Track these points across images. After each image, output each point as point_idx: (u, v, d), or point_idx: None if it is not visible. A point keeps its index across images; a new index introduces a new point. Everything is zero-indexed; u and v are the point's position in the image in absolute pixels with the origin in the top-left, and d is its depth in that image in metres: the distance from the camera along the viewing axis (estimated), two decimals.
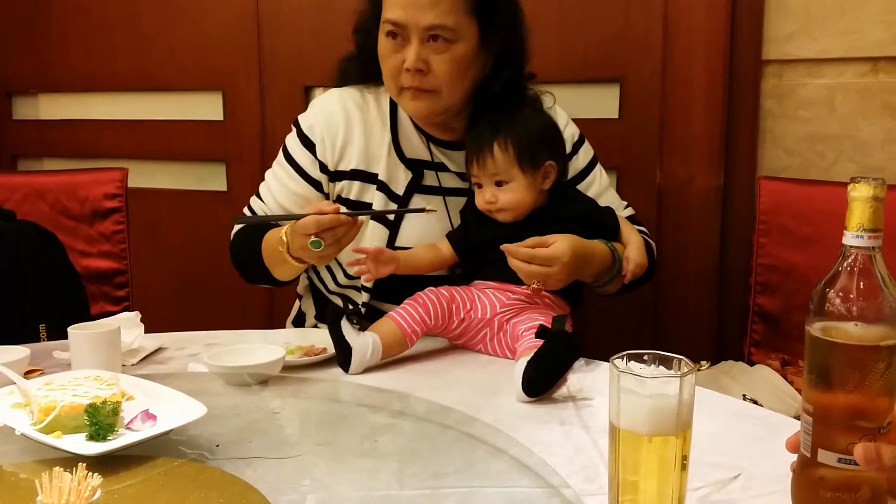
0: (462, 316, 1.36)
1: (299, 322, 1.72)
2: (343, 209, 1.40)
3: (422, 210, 1.39)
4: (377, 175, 1.50)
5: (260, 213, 1.57)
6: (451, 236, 1.47)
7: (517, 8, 1.48)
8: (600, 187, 1.58)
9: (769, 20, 1.86)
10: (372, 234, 1.48)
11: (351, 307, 1.57)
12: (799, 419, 0.80)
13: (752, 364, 1.66)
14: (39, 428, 0.95)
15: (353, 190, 1.52)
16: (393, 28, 1.39)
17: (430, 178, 1.52)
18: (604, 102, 2.01)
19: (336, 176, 1.52)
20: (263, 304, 2.30)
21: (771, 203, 1.70)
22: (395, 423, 1.12)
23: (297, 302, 1.75)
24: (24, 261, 1.61)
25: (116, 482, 0.88)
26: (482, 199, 1.41)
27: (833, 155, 1.86)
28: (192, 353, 1.38)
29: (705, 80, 1.89)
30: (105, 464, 0.89)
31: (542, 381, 1.14)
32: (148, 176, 2.48)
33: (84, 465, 0.75)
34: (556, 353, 1.14)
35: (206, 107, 2.42)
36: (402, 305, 1.35)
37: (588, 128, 1.62)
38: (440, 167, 1.53)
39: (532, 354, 1.14)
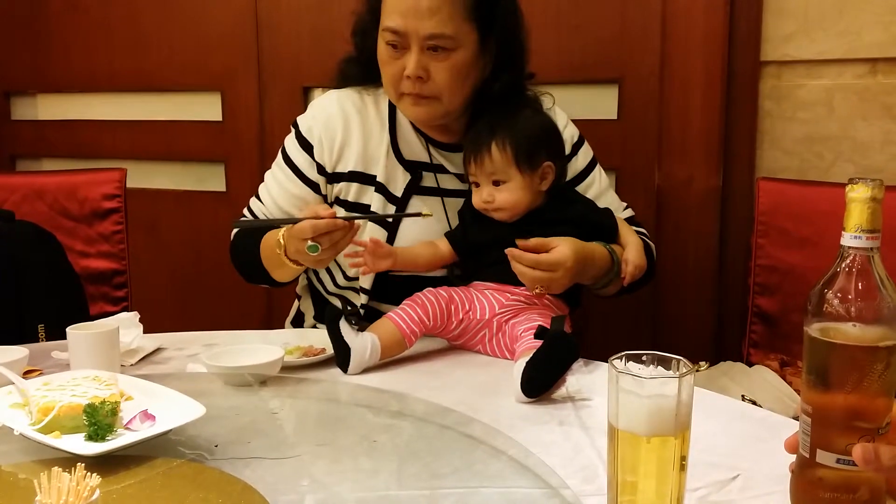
0: (461, 317, 1.36)
1: (298, 322, 1.72)
2: (343, 211, 1.40)
3: (418, 214, 1.38)
4: (375, 177, 1.50)
5: (259, 214, 1.57)
6: (450, 235, 1.47)
7: (516, 9, 1.48)
8: (600, 188, 1.58)
9: (768, 21, 1.86)
10: (370, 237, 1.48)
11: (350, 308, 1.57)
12: (798, 420, 0.80)
13: (750, 365, 1.66)
14: (38, 428, 0.95)
15: (351, 192, 1.52)
16: (393, 37, 1.39)
17: (428, 180, 1.52)
18: (603, 103, 2.02)
19: (334, 178, 1.52)
20: (262, 305, 2.30)
21: (769, 204, 1.70)
22: (394, 424, 1.12)
23: (296, 302, 1.75)
24: (22, 261, 1.61)
25: (115, 482, 0.88)
26: (479, 199, 1.41)
27: (832, 156, 1.86)
28: (190, 353, 1.38)
29: (704, 81, 1.90)
30: (104, 464, 0.88)
31: (541, 382, 1.14)
32: (147, 176, 2.49)
33: (83, 465, 0.74)
34: (554, 354, 1.15)
35: (205, 107, 2.42)
36: (400, 306, 1.35)
37: (587, 129, 1.62)
38: (439, 169, 1.53)
39: (531, 355, 1.14)
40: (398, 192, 1.51)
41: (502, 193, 1.39)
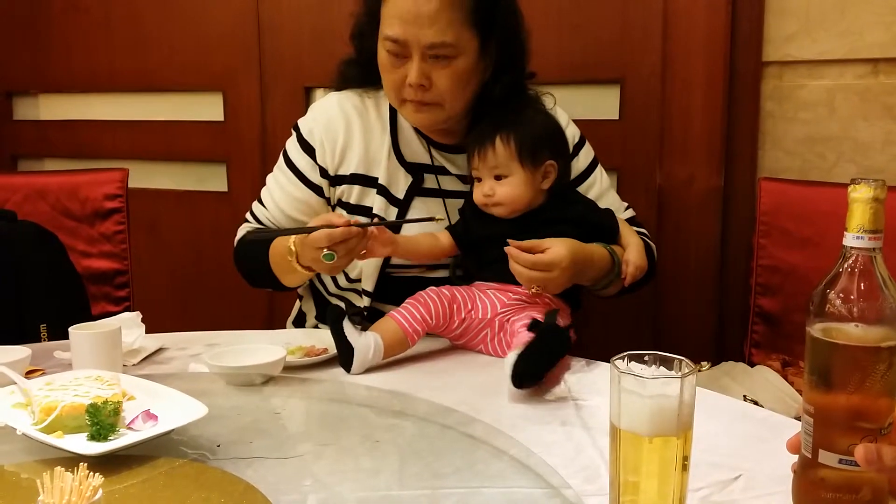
0: (463, 316, 1.36)
1: (300, 322, 1.72)
2: (360, 218, 1.40)
3: (431, 219, 1.39)
4: (377, 179, 1.50)
5: (263, 219, 1.57)
6: (452, 229, 1.47)
7: (516, 11, 1.48)
8: (601, 189, 1.58)
9: (769, 21, 1.86)
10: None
11: (352, 309, 1.57)
12: (800, 420, 0.80)
13: (752, 365, 1.66)
14: (41, 428, 0.95)
15: (353, 194, 1.52)
16: (393, 46, 1.38)
17: (430, 182, 1.52)
18: (604, 103, 2.01)
19: (336, 180, 1.52)
20: (264, 305, 2.31)
21: (771, 204, 1.70)
22: (396, 424, 1.12)
23: (298, 302, 1.75)
24: (24, 261, 1.62)
25: (118, 482, 0.88)
26: (479, 193, 1.41)
27: (833, 156, 1.86)
28: (193, 353, 1.38)
29: (705, 81, 1.90)
30: (106, 464, 0.89)
31: (530, 373, 1.14)
32: (148, 176, 2.49)
33: (85, 464, 0.75)
34: (545, 346, 1.15)
35: (207, 107, 2.42)
36: (403, 305, 1.35)
37: (588, 129, 1.62)
38: (440, 170, 1.53)
39: (522, 347, 1.14)
40: (400, 195, 1.51)
41: (503, 187, 1.39)
